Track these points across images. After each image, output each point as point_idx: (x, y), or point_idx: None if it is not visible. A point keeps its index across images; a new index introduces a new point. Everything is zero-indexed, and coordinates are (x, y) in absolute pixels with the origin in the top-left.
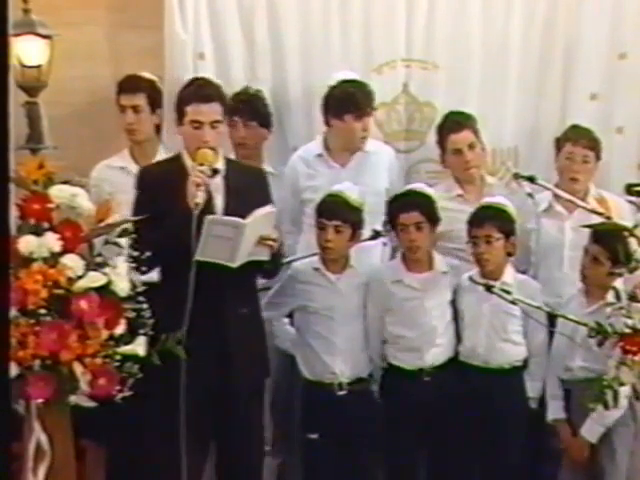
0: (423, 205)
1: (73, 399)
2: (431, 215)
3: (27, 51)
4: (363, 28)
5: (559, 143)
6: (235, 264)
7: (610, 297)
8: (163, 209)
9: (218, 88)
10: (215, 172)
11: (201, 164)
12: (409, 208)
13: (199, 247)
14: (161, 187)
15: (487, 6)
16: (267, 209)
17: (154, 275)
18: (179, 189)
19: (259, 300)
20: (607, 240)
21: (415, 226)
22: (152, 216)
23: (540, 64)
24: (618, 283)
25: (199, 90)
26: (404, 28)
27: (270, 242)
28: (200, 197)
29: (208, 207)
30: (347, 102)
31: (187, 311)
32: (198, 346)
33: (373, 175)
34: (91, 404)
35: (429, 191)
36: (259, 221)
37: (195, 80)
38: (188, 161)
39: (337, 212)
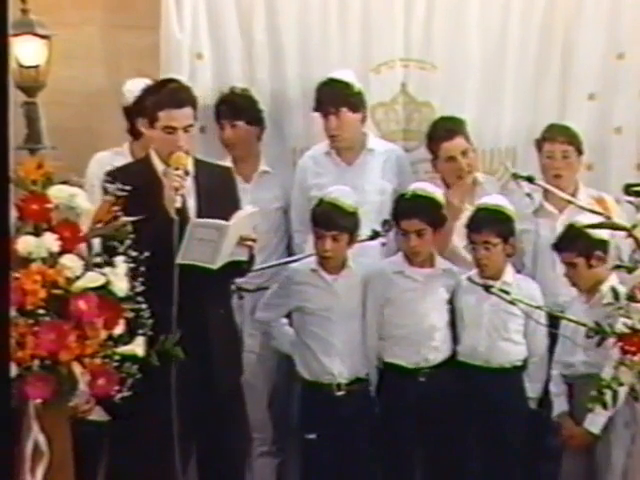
0: (425, 211)
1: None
2: (434, 220)
3: (25, 51)
4: (361, 28)
5: (539, 144)
6: (216, 266)
7: (605, 289)
8: (136, 212)
9: (189, 90)
10: (186, 174)
11: (177, 168)
12: (410, 215)
13: (180, 250)
14: (132, 190)
15: (485, 6)
16: (250, 210)
17: None
18: (152, 193)
19: (230, 299)
20: (567, 243)
21: (416, 233)
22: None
23: (538, 64)
24: (615, 282)
25: (172, 95)
26: (402, 28)
27: (249, 242)
28: (179, 202)
29: (182, 210)
30: (316, 99)
31: (173, 313)
32: (182, 347)
33: (379, 174)
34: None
35: (434, 193)
36: (242, 222)
37: (166, 83)
38: (158, 164)
39: (334, 222)
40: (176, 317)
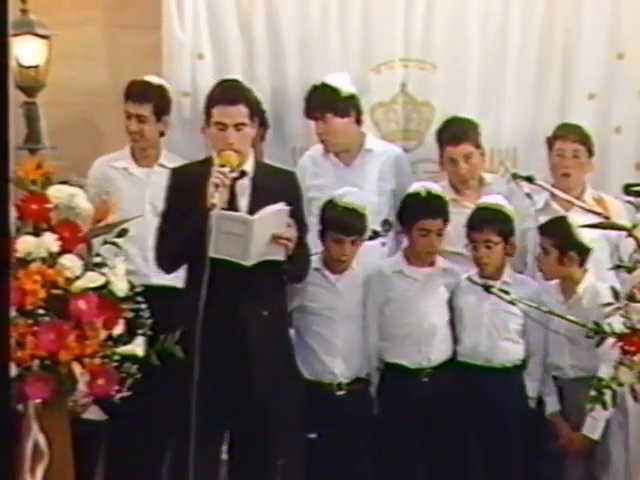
0: (444, 211)
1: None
2: (447, 219)
3: (25, 51)
4: (361, 28)
5: (550, 142)
6: (249, 262)
7: (582, 290)
8: (187, 210)
9: (245, 90)
10: (242, 174)
11: (222, 165)
12: (435, 214)
13: (211, 244)
14: (188, 188)
15: (485, 6)
16: (278, 206)
17: (178, 281)
18: (203, 190)
19: (284, 302)
20: (550, 229)
21: (437, 232)
22: (178, 216)
23: (538, 64)
24: (590, 283)
25: (225, 92)
26: (402, 28)
27: (284, 241)
28: (217, 198)
29: (231, 208)
30: (304, 103)
31: (200, 309)
32: (215, 345)
33: (378, 175)
34: (102, 417)
35: (443, 192)
36: (269, 218)
37: (223, 82)
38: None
39: (354, 227)
40: (203, 311)
